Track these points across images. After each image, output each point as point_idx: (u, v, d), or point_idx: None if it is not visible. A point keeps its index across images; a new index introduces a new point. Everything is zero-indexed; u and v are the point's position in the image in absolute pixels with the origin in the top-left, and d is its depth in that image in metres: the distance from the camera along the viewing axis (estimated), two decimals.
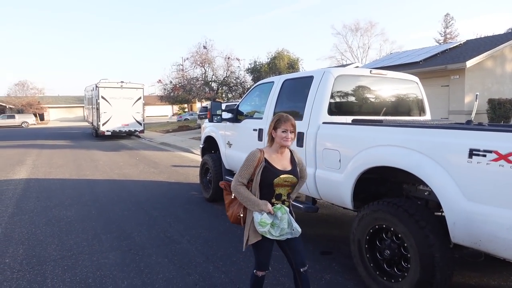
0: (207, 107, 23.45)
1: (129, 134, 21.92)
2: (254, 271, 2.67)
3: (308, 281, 2.66)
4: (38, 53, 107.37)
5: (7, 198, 6.89)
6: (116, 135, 21.14)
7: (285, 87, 4.68)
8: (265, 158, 2.57)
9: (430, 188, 2.84)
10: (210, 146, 6.72)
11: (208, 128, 6.52)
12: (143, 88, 21.64)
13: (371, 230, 3.19)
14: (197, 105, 51.56)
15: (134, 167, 10.65)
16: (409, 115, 4.82)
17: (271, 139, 2.64)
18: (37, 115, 49.30)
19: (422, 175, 2.81)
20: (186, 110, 50.73)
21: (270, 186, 2.56)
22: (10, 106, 49.08)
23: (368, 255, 3.24)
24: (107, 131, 20.43)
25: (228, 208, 2.77)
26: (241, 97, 25.42)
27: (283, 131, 2.55)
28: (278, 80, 4.85)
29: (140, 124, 21.42)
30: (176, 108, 54.65)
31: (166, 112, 57.28)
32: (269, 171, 2.54)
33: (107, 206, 6.25)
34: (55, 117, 54.21)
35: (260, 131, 4.82)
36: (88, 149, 15.92)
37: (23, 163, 11.66)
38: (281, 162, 2.62)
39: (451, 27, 51.72)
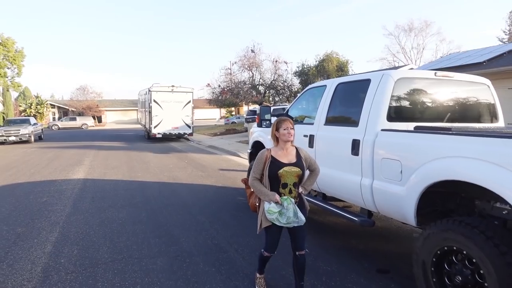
0: (254, 110, 23.58)
1: (179, 137, 22.55)
2: (262, 250, 3.24)
3: (304, 264, 3.16)
4: (97, 58, 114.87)
5: (66, 198, 7.25)
6: (167, 138, 21.85)
7: (339, 91, 4.42)
8: (271, 155, 3.07)
9: (510, 207, 2.46)
10: (258, 151, 6.58)
11: (256, 133, 6.40)
12: (192, 92, 22.18)
13: (438, 252, 2.85)
14: (244, 109, 52.22)
15: (182, 170, 10.83)
16: (478, 121, 4.34)
17: (276, 139, 3.15)
18: (95, 117, 52.58)
19: (501, 192, 2.44)
20: (233, 113, 51.48)
21: (276, 177, 3.02)
22: (72, 109, 52.86)
23: (434, 279, 2.89)
24: (158, 133, 21.16)
25: (249, 199, 3.43)
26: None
27: (284, 129, 3.06)
28: (331, 84, 4.60)
29: (189, 127, 21.96)
30: (223, 111, 55.69)
31: (214, 115, 58.55)
32: (275, 165, 3.03)
33: (157, 209, 6.34)
34: (111, 120, 57.45)
35: (311, 137, 4.59)
36: (140, 151, 16.56)
37: (81, 164, 12.33)
38: (287, 157, 3.09)
39: None
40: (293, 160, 3.08)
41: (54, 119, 52.91)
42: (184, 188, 8.11)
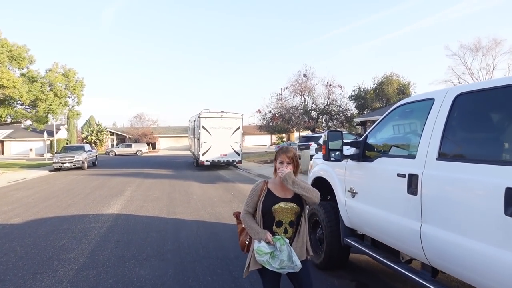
0: (307, 137, 21.92)
1: (227, 164, 21.49)
2: None
3: None
4: (154, 88, 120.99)
5: (87, 241, 6.12)
6: (215, 165, 20.85)
7: (461, 106, 2.76)
8: (267, 188, 2.72)
9: None
10: (320, 190, 5.01)
11: (318, 166, 4.84)
12: (242, 118, 21.17)
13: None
14: (295, 135, 50.67)
15: (227, 204, 9.45)
16: None
17: (275, 170, 2.75)
18: (150, 144, 53.98)
19: None
20: (284, 139, 50.09)
21: (269, 213, 2.65)
22: (129, 136, 54.85)
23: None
24: (207, 161, 20.25)
25: (240, 236, 2.86)
26: (343, 126, 23.21)
27: (280, 162, 2.68)
28: (443, 96, 2.95)
29: (238, 154, 20.83)
30: (274, 137, 54.53)
31: (265, 141, 57.55)
32: (269, 199, 2.67)
33: (188, 264, 4.92)
34: (164, 146, 58.72)
35: (413, 177, 2.94)
36: (186, 179, 15.57)
37: (122, 194, 11.47)
38: (284, 191, 2.70)
39: None
40: (289, 195, 2.69)
41: (112, 145, 55.15)
42: (227, 231, 6.66)
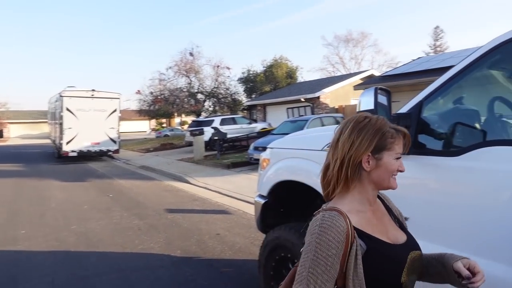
0: (200, 121, 19.54)
1: (101, 155, 17.65)
2: None
3: None
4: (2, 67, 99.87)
5: None
6: (84, 156, 16.82)
7: None
8: (357, 229, 1.05)
9: None
10: (281, 200, 2.95)
11: (289, 161, 2.72)
12: (119, 98, 17.52)
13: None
14: (176, 120, 47.43)
15: (104, 214, 6.62)
16: None
17: (353, 177, 1.10)
18: None
19: None
20: (165, 125, 46.44)
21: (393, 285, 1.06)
22: None
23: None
24: (72, 151, 16.13)
25: None
26: (232, 110, 21.72)
27: (397, 158, 1.11)
28: None
29: (115, 142, 17.22)
30: (153, 123, 50.12)
31: (142, 127, 52.59)
32: (383, 258, 1.06)
33: None
34: (16, 134, 48.51)
35: None
36: (42, 177, 11.65)
37: None
38: (383, 225, 1.14)
39: (440, 40, 50.45)
40: (399, 234, 1.15)
41: None
42: (107, 271, 4.06)
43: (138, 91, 28.25)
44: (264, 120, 22.62)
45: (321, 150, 2.40)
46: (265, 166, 3.00)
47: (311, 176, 2.50)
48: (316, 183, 2.45)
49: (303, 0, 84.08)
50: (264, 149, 10.98)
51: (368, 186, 1.12)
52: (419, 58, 17.53)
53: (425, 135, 1.86)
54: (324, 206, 1.11)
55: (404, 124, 1.85)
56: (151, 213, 6.71)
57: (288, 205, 2.99)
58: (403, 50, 74.11)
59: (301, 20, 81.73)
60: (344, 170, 1.08)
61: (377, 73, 21.13)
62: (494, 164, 1.52)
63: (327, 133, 2.70)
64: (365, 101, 1.61)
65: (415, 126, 1.86)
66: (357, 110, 1.65)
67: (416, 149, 1.84)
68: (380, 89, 1.66)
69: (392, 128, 1.11)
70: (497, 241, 1.50)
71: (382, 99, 1.65)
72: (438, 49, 49.43)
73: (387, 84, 14.41)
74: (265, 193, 2.93)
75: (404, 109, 1.94)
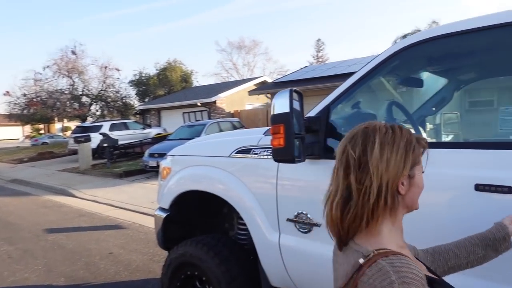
0: (85, 126, 17.62)
1: None
2: None
3: None
4: None
5: None
6: None
7: None
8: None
9: None
10: (186, 214, 2.71)
11: (193, 170, 2.49)
12: None
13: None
14: (57, 126, 42.37)
15: None
16: None
17: (394, 205, 0.87)
18: None
19: None
20: (42, 131, 41.07)
21: None
22: None
23: None
24: None
25: None
26: (123, 115, 20.34)
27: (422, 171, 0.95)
28: None
29: None
30: (28, 129, 43.81)
31: (14, 134, 45.61)
32: None
33: None
34: None
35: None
36: None
37: None
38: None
39: (322, 51, 55.73)
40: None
41: None
42: None
43: (7, 92, 24.35)
44: (159, 125, 21.70)
45: (228, 157, 2.26)
46: (166, 176, 2.72)
47: (217, 184, 2.34)
48: (224, 192, 2.30)
49: (197, 4, 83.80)
50: (161, 155, 10.57)
51: (401, 212, 0.92)
52: (306, 66, 18.98)
53: (334, 139, 1.85)
54: (369, 250, 0.84)
55: (314, 128, 1.83)
56: (26, 235, 5.70)
57: (193, 217, 2.77)
58: (291, 59, 79.68)
59: (195, 24, 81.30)
60: (383, 199, 0.84)
61: (269, 80, 22.16)
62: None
63: (232, 138, 2.58)
64: (280, 104, 1.51)
65: (324, 130, 1.85)
66: (271, 113, 1.54)
67: (326, 153, 1.82)
68: (294, 91, 1.59)
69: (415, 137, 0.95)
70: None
71: (295, 103, 1.57)
72: (320, 59, 54.57)
73: (280, 90, 15.19)
74: (166, 206, 2.66)
75: (312, 113, 1.92)
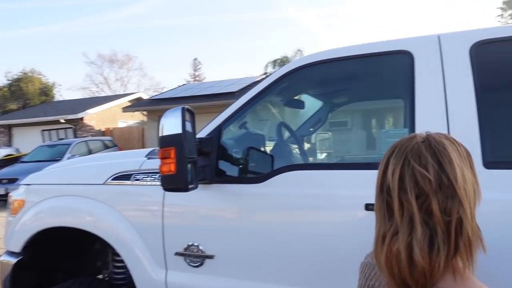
0: None
1: None
2: None
3: None
4: None
5: None
6: None
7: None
8: None
9: None
10: (48, 258, 2.21)
11: (56, 201, 2.03)
12: None
13: None
14: None
15: None
16: None
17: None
18: None
19: None
20: None
21: None
22: None
23: None
24: None
25: None
26: None
27: None
28: (448, 46, 1.53)
29: None
30: None
31: None
32: None
33: None
34: None
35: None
36: None
37: None
38: None
39: (199, 70, 56.52)
40: None
41: None
42: None
43: None
44: (9, 144, 18.42)
45: (103, 184, 1.92)
46: (18, 210, 2.18)
47: (86, 216, 1.96)
48: (94, 225, 1.93)
49: (60, 12, 75.64)
50: (11, 181, 8.87)
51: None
52: (184, 84, 18.80)
53: (226, 162, 1.74)
54: None
55: (206, 150, 1.68)
56: None
57: (55, 259, 2.28)
58: (167, 76, 78.24)
59: (58, 33, 72.90)
60: (471, 229, 0.66)
61: (145, 96, 21.16)
62: (297, 189, 1.54)
63: (106, 162, 2.22)
64: (170, 124, 1.31)
65: (215, 152, 1.72)
66: (160, 135, 1.33)
67: (219, 177, 1.69)
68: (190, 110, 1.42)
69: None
70: (314, 267, 1.50)
71: (187, 124, 1.40)
72: (197, 78, 55.17)
73: (156, 107, 14.65)
74: (18, 249, 2.12)
75: (203, 133, 1.77)
